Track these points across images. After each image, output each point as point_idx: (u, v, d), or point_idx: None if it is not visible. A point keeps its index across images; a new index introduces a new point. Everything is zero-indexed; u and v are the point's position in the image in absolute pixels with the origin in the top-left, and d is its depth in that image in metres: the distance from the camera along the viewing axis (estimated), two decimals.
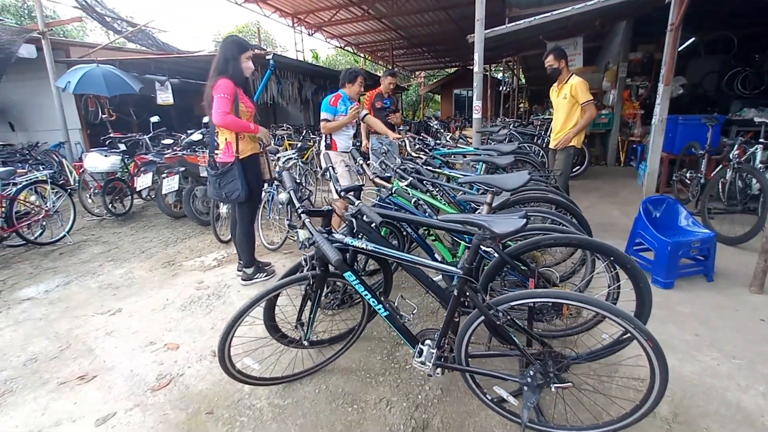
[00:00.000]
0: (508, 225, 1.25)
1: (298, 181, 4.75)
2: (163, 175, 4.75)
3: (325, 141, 3.95)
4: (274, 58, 8.75)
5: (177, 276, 3.50)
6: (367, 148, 4.91)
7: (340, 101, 3.79)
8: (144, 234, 4.80)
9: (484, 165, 3.39)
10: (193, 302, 2.98)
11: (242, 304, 1.67)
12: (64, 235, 4.53)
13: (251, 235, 3.13)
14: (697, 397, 1.85)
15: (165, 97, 9.19)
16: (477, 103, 5.32)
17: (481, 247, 1.35)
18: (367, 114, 3.99)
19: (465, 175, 2.90)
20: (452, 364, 1.62)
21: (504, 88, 13.30)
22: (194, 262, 3.80)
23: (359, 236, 1.83)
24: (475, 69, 5.20)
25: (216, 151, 3.03)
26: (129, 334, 2.60)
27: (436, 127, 5.84)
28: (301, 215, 1.45)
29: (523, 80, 16.36)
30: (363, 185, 1.86)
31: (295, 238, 1.45)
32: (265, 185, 3.97)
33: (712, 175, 4.07)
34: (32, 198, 4.42)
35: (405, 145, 3.44)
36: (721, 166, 3.98)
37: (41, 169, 7.38)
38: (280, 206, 1.53)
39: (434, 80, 23.89)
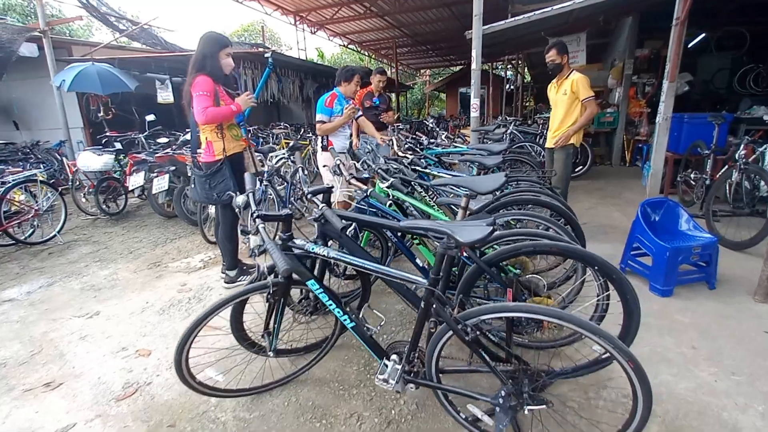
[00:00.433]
0: (472, 233, 1.14)
1: (290, 181, 4.66)
2: (154, 175, 4.69)
3: (322, 142, 3.83)
4: (272, 56, 8.68)
5: (161, 278, 3.43)
6: (358, 147, 4.81)
7: (336, 101, 3.70)
8: (135, 234, 4.76)
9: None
10: (173, 306, 2.90)
11: (197, 314, 1.58)
12: (55, 235, 4.50)
13: (234, 237, 3.04)
14: (690, 417, 1.72)
15: (165, 95, 9.18)
16: (475, 101, 5.19)
17: (448, 254, 1.24)
18: (361, 115, 3.89)
19: (440, 176, 2.79)
20: (422, 380, 1.51)
21: (509, 86, 13.08)
22: (180, 263, 3.73)
23: (328, 241, 1.74)
24: (473, 66, 5.07)
25: (198, 150, 2.95)
26: (103, 338, 2.52)
27: (431, 125, 5.70)
28: (256, 220, 1.36)
29: (529, 78, 16.11)
30: (332, 187, 1.76)
31: (247, 244, 1.35)
32: (257, 184, 3.91)
33: (717, 176, 3.89)
34: (22, 197, 4.38)
35: (392, 144, 3.32)
36: (727, 166, 3.80)
37: (42, 167, 7.44)
38: (237, 209, 1.43)
39: (439, 78, 23.68)
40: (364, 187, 1.98)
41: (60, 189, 4.88)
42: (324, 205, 1.49)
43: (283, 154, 4.20)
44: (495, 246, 2.16)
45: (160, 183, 4.51)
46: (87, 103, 8.88)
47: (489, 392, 1.53)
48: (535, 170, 4.33)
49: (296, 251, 1.51)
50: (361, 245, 2.64)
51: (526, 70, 14.90)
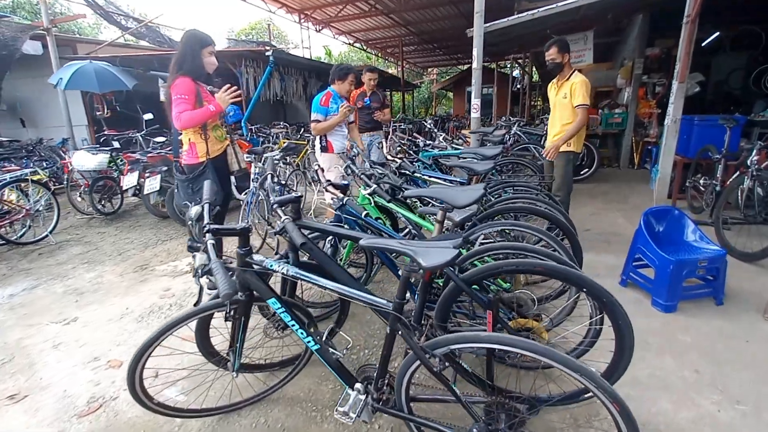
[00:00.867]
0: (436, 256, 1.01)
1: (284, 183, 4.55)
2: (147, 175, 4.62)
3: (320, 143, 3.73)
4: (274, 55, 8.55)
5: (145, 282, 3.35)
6: (351, 150, 4.70)
7: (332, 100, 3.60)
8: (127, 234, 4.69)
9: None
10: (153, 312, 2.82)
11: (150, 333, 1.48)
12: (47, 235, 4.45)
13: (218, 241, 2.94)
14: None
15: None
16: (476, 101, 5.02)
17: (411, 278, 1.11)
18: (353, 122, 3.78)
19: (435, 181, 2.65)
20: (392, 408, 1.38)
21: (515, 86, 12.80)
22: (167, 266, 3.65)
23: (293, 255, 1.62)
24: (474, 65, 4.91)
25: (180, 152, 2.85)
26: (76, 347, 2.44)
27: (429, 126, 5.55)
28: (206, 234, 1.24)
29: (537, 77, 15.81)
30: (301, 196, 1.64)
31: (193, 262, 1.24)
32: (251, 186, 3.81)
33: (728, 182, 3.69)
34: (13, 197, 4.34)
35: (382, 147, 3.18)
36: (738, 172, 3.60)
37: (44, 165, 7.44)
38: (190, 222, 1.32)
39: (447, 77, 23.43)
40: (340, 195, 1.86)
41: (53, 189, 4.82)
42: (287, 217, 1.37)
43: (276, 155, 4.09)
44: (487, 258, 2.03)
45: (152, 183, 4.44)
46: (91, 101, 8.90)
47: (468, 424, 1.40)
48: (536, 174, 4.16)
49: (256, 268, 1.39)
50: (346, 255, 2.53)
51: (534, 69, 14.62)
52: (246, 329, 1.55)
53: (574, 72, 3.25)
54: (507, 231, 2.46)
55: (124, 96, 8.36)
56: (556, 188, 3.41)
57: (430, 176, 2.87)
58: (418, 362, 1.25)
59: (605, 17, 5.49)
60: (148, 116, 6.64)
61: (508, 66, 17.85)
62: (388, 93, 20.33)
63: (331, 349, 1.38)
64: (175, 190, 2.92)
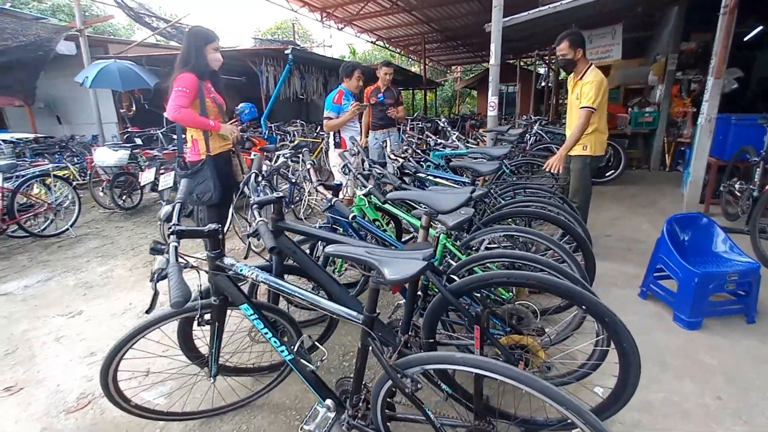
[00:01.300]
0: (401, 269, 0.90)
1: (294, 181, 4.53)
2: (162, 171, 4.70)
3: (334, 139, 3.85)
4: (293, 53, 8.57)
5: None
6: (366, 145, 4.62)
7: (344, 97, 3.73)
8: (143, 229, 4.80)
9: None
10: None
11: (122, 335, 1.44)
12: (67, 229, 4.61)
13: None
14: None
15: None
16: (492, 99, 4.85)
17: (380, 289, 1.01)
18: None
19: (440, 182, 2.52)
20: (367, 427, 1.28)
21: (539, 83, 12.37)
22: None
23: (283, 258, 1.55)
24: (492, 61, 4.74)
25: (185, 149, 2.85)
26: (77, 341, 2.47)
27: (442, 125, 5.39)
28: (170, 236, 1.18)
29: (564, 74, 15.24)
30: (283, 197, 1.57)
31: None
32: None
33: (767, 186, 3.37)
34: (36, 191, 4.51)
35: (386, 145, 3.08)
36: None
37: (75, 160, 7.74)
38: (159, 223, 1.27)
39: (470, 75, 22.99)
40: (329, 196, 1.78)
41: (79, 183, 4.99)
42: (261, 219, 1.30)
43: (285, 153, 4.07)
44: (490, 266, 1.90)
45: (166, 180, 4.50)
46: (120, 100, 9.24)
47: None
48: (554, 176, 3.95)
49: (230, 272, 1.33)
50: (341, 260, 2.45)
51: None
52: (221, 334, 1.49)
53: (589, 68, 2.97)
54: (515, 237, 2.31)
55: (151, 94, 8.60)
56: (572, 193, 3.20)
57: (435, 176, 2.74)
58: (389, 383, 1.15)
59: (635, 10, 5.16)
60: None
61: (535, 63, 17.31)
62: (410, 91, 20.21)
63: (303, 360, 1.29)
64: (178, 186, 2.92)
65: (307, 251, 2.01)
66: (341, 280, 2.31)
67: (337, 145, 3.82)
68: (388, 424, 1.30)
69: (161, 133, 6.55)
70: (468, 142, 4.73)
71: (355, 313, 1.13)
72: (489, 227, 2.19)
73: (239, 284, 1.38)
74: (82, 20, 8.56)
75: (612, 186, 5.96)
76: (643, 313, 2.54)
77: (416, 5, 11.37)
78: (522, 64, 16.36)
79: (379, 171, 2.20)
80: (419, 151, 3.14)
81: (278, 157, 4.14)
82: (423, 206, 1.38)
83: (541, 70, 15.08)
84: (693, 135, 6.00)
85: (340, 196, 3.02)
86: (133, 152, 5.58)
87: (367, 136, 4.57)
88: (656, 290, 2.57)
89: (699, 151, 3.99)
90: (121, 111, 8.06)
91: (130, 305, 2.90)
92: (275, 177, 4.75)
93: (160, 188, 4.64)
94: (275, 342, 1.33)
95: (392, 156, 2.63)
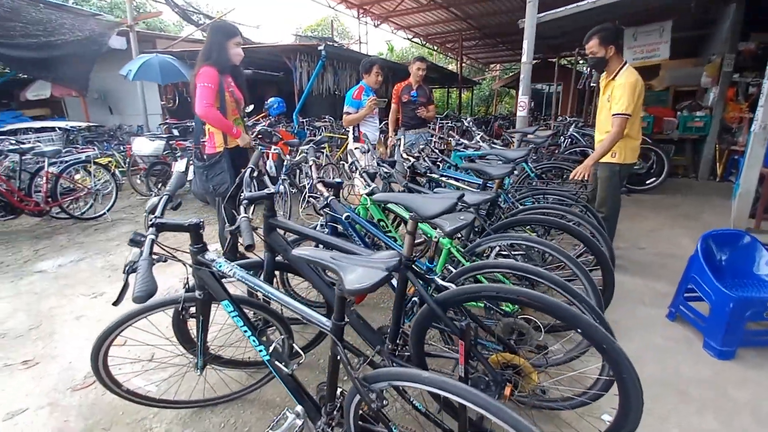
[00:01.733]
0: (360, 279, 0.85)
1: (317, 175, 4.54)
2: (192, 162, 4.87)
3: (353, 134, 3.88)
4: (326, 49, 8.63)
5: (171, 263, 3.50)
6: (392, 144, 4.56)
7: (364, 93, 3.74)
8: (173, 216, 4.99)
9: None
10: (170, 293, 2.92)
11: (111, 321, 1.48)
12: (104, 213, 4.89)
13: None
14: None
15: None
16: (523, 99, 4.65)
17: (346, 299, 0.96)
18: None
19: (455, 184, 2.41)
20: None
21: (580, 83, 11.74)
22: None
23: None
24: (523, 59, 4.55)
25: (203, 140, 2.93)
26: (95, 321, 2.60)
27: (467, 125, 5.21)
28: (149, 228, 1.19)
29: None
30: (273, 193, 1.55)
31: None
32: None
33: None
34: (77, 176, 4.81)
35: (399, 144, 3.01)
36: None
37: (121, 149, 8.23)
38: (145, 215, 1.30)
39: (510, 74, 22.29)
40: (326, 194, 1.74)
41: (116, 171, 5.28)
42: (245, 216, 1.29)
43: (306, 148, 4.08)
44: (499, 276, 1.80)
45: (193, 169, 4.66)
46: (165, 92, 9.76)
47: None
48: (583, 182, 3.72)
49: (211, 270, 1.32)
50: None
51: None
52: (206, 327, 1.50)
53: (623, 68, 2.71)
54: (527, 246, 2.18)
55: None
56: (599, 204, 2.98)
57: (449, 177, 2.64)
58: (358, 397, 1.09)
59: (687, 5, 4.74)
60: None
61: (576, 61, 16.49)
62: (445, 89, 19.87)
63: (277, 363, 1.26)
64: (193, 177, 3.02)
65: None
66: None
67: (356, 140, 3.83)
68: None
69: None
70: (494, 143, 4.55)
71: (324, 320, 1.09)
72: (500, 234, 2.07)
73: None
74: (133, 17, 9.08)
75: (652, 195, 5.56)
76: (670, 337, 2.33)
77: (454, 2, 11.14)
78: (566, 62, 15.66)
79: (386, 170, 2.14)
80: (437, 151, 3.04)
81: (300, 152, 4.19)
82: (408, 210, 1.31)
83: (584, 69, 14.33)
84: (747, 143, 5.48)
85: (346, 193, 3.01)
86: (169, 143, 5.84)
87: (395, 134, 4.52)
88: (686, 312, 2.35)
89: (751, 161, 3.62)
90: (161, 103, 8.46)
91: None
92: (296, 172, 4.80)
93: (189, 178, 4.81)
94: (254, 341, 1.32)
95: (404, 155, 2.56)
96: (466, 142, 3.86)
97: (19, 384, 2.02)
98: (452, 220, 1.46)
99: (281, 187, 3.97)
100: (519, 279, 1.85)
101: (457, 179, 2.49)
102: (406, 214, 2.06)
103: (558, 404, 1.43)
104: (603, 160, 2.85)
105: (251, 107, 6.65)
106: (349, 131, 4.06)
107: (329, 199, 1.73)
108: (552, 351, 1.76)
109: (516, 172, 3.84)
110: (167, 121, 7.11)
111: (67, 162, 4.60)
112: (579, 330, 1.13)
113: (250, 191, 1.54)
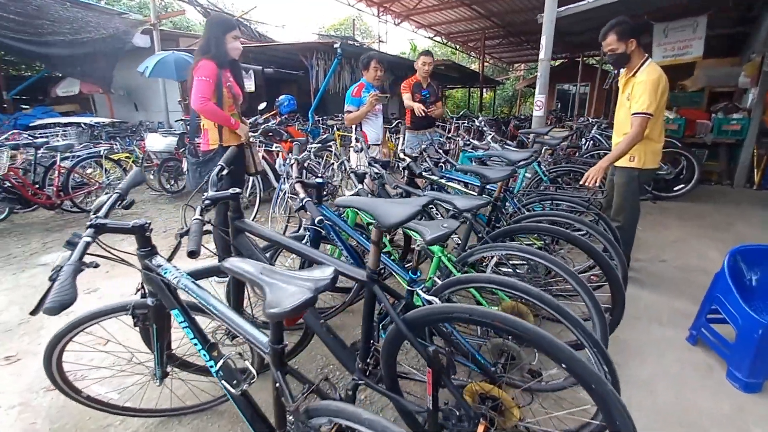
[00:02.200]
0: (283, 300, 0.71)
1: (320, 175, 4.45)
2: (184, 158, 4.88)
3: (355, 132, 3.77)
4: (342, 47, 8.57)
5: (174, 261, 3.48)
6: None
7: (364, 90, 3.60)
8: (181, 213, 5.02)
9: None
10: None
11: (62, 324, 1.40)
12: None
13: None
14: None
15: (247, 84, 9.80)
16: (540, 98, 4.41)
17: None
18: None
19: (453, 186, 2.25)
20: None
21: (606, 83, 11.23)
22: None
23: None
24: (541, 56, 4.31)
25: (197, 138, 2.87)
26: None
27: (479, 124, 4.99)
28: (86, 229, 1.10)
29: None
30: (238, 193, 1.44)
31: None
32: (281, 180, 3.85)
33: None
34: (89, 171, 4.89)
35: (399, 144, 2.86)
36: None
37: (142, 145, 8.40)
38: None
39: (534, 73, 21.67)
40: (302, 196, 1.62)
41: (125, 166, 5.35)
42: (198, 218, 1.18)
43: (311, 147, 4.00)
44: (499, 294, 1.63)
45: None
46: (185, 89, 9.95)
47: None
48: (601, 188, 3.47)
49: (152, 274, 1.22)
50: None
51: None
52: (163, 336, 1.41)
53: (645, 63, 2.45)
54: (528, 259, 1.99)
55: None
56: (615, 212, 2.73)
57: (449, 179, 2.48)
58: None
59: (725, 1, 4.37)
60: None
61: (602, 60, 15.83)
62: (467, 89, 19.51)
63: (224, 381, 1.14)
64: (187, 173, 2.96)
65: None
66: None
67: (357, 140, 3.72)
68: None
69: None
70: (507, 144, 4.33)
71: (264, 341, 0.96)
72: (496, 243, 1.90)
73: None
74: (156, 15, 9.28)
75: (680, 202, 5.19)
76: (689, 363, 2.09)
77: None
78: (594, 62, 15.09)
79: (377, 171, 2.00)
80: (440, 152, 2.87)
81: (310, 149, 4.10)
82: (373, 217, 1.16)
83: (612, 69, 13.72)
84: None
85: (347, 192, 2.89)
86: (181, 139, 5.88)
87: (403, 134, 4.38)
88: (708, 336, 2.10)
89: None
90: (178, 100, 8.61)
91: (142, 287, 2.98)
92: (304, 171, 4.72)
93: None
94: (204, 355, 1.21)
95: (401, 155, 2.41)
96: (475, 142, 3.67)
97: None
98: (434, 228, 1.31)
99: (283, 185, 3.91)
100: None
101: (459, 181, 2.31)
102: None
103: None
104: (620, 164, 2.61)
105: (264, 104, 6.66)
106: (351, 130, 3.95)
107: (305, 200, 1.61)
108: (551, 375, 1.58)
109: (528, 175, 3.62)
110: (181, 118, 7.19)
111: (79, 156, 4.67)
112: (563, 364, 0.96)
113: (215, 191, 1.43)
